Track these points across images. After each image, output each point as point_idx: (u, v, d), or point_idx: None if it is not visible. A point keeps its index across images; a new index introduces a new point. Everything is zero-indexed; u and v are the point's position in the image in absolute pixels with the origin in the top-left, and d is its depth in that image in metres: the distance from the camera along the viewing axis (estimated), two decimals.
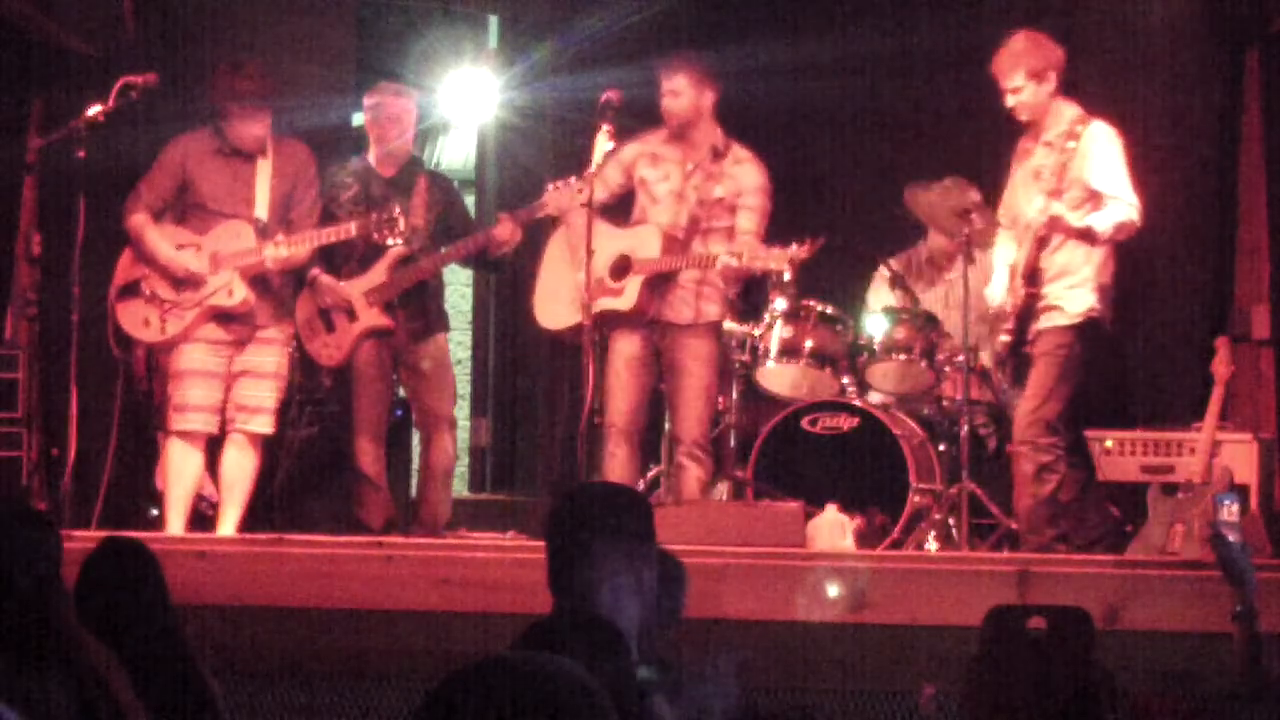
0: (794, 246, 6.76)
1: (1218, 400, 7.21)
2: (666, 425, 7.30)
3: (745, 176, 7.06)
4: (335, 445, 7.83)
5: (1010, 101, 6.71)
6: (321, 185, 7.38)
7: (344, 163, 7.59)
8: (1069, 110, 6.70)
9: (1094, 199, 6.58)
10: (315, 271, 7.29)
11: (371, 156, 7.49)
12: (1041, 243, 6.63)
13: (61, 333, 6.90)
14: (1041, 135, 6.72)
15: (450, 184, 7.82)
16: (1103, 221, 6.53)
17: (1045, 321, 6.68)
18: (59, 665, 2.94)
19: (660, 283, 7.01)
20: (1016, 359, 6.84)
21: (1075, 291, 6.64)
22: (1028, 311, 6.70)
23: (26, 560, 3.01)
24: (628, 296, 6.93)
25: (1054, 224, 6.54)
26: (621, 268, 6.97)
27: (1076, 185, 6.60)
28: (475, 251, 7.41)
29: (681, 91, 6.99)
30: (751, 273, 7.08)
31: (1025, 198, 6.76)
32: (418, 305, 7.40)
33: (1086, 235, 6.57)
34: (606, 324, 7.02)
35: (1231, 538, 4.21)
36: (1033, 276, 6.64)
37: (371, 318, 7.33)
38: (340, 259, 7.35)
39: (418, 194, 7.41)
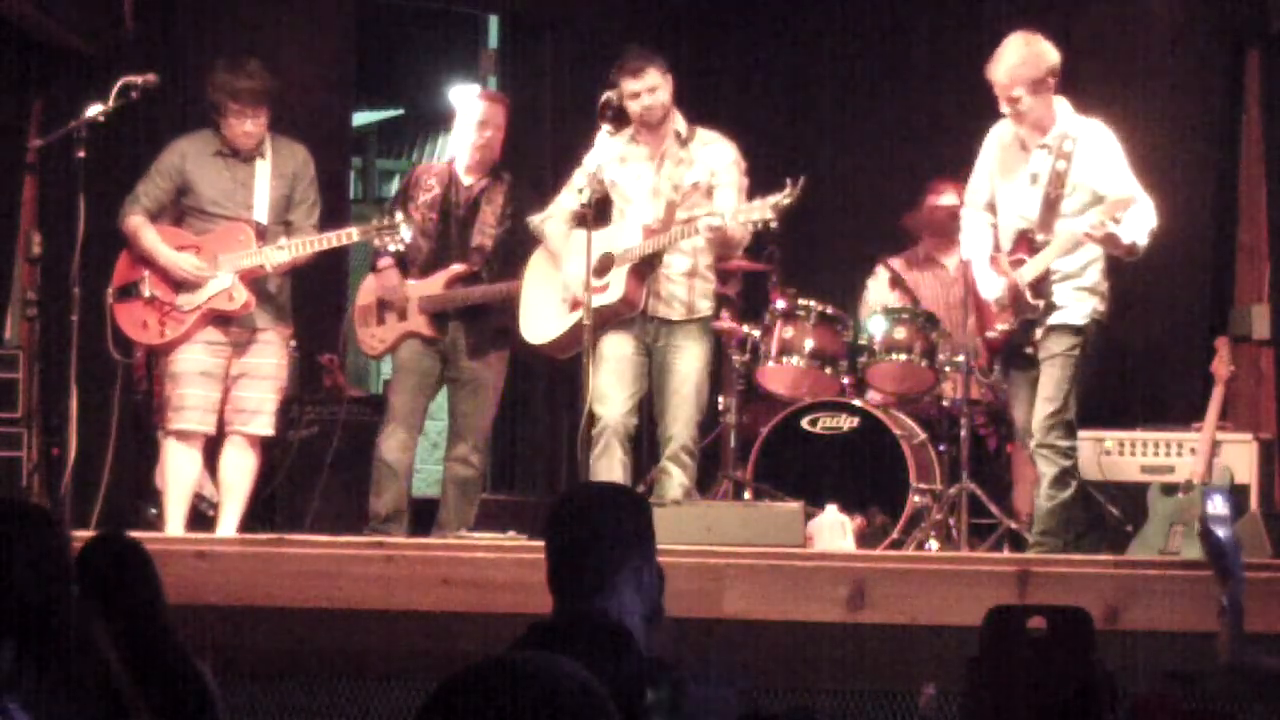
0: (776, 195, 6.57)
1: (1218, 400, 7.21)
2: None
3: (716, 155, 6.93)
4: (335, 445, 7.83)
5: (1007, 110, 6.65)
6: (408, 179, 7.60)
7: (430, 163, 7.73)
8: (1062, 109, 6.65)
9: (1097, 203, 6.52)
10: (388, 262, 7.39)
11: (459, 162, 7.55)
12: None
13: (61, 333, 6.89)
14: (1031, 133, 6.65)
15: (526, 194, 7.69)
16: (1141, 233, 6.45)
17: (1053, 321, 6.63)
18: (64, 664, 2.94)
19: (647, 271, 6.86)
20: (1008, 353, 6.78)
21: (1081, 294, 6.61)
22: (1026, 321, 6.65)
23: (30, 559, 3.00)
24: (614, 288, 6.78)
25: (1111, 240, 6.43)
26: (605, 266, 6.84)
27: (1080, 190, 6.56)
28: (492, 300, 7.36)
29: (658, 85, 6.84)
30: (739, 233, 6.86)
31: (1018, 196, 6.67)
32: (474, 323, 7.39)
33: (1131, 251, 6.50)
34: (598, 323, 6.83)
35: (1221, 532, 4.21)
36: (1039, 286, 6.56)
37: (418, 324, 7.37)
38: (409, 259, 7.40)
39: (491, 206, 7.44)
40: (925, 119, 8.78)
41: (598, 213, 7.00)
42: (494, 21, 10.03)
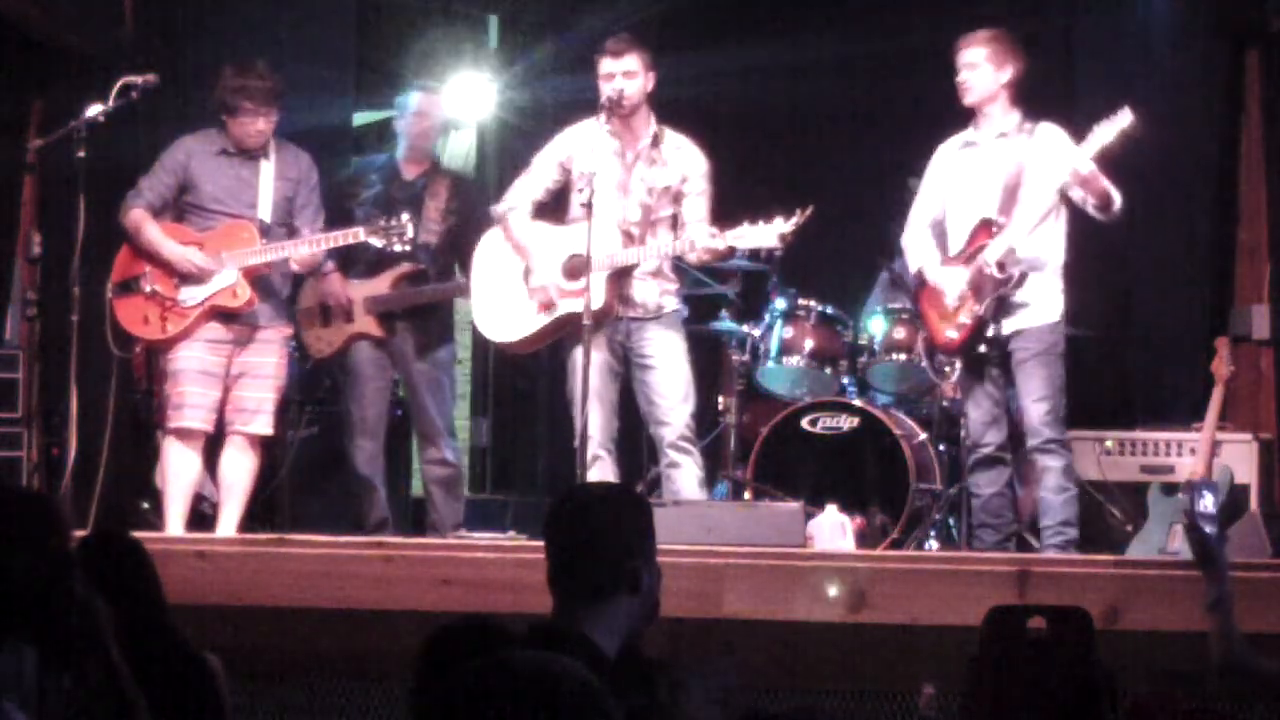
0: (780, 220, 6.48)
1: (1218, 400, 7.21)
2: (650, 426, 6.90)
3: (689, 162, 6.82)
4: (335, 445, 7.83)
5: (961, 77, 6.68)
6: (348, 176, 7.62)
7: (372, 158, 7.76)
8: (1016, 112, 6.71)
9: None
10: (330, 265, 7.34)
11: (399, 156, 7.56)
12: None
13: (61, 333, 6.89)
14: (986, 129, 6.70)
15: (471, 192, 7.76)
16: (1117, 194, 6.49)
17: (1025, 321, 6.61)
18: (65, 655, 2.94)
19: (623, 277, 6.74)
20: (968, 353, 6.75)
21: (1047, 291, 6.62)
22: (997, 304, 6.65)
23: (32, 549, 2.99)
24: (596, 295, 6.56)
25: (1093, 180, 6.42)
26: (576, 268, 6.66)
27: (1036, 176, 6.61)
28: (441, 299, 7.38)
29: (636, 72, 6.74)
30: (734, 253, 6.89)
31: (974, 192, 6.67)
32: (422, 322, 7.38)
33: (1109, 204, 6.51)
34: (575, 329, 6.65)
35: (1208, 528, 4.23)
36: (1005, 260, 6.57)
37: (365, 324, 7.35)
38: (350, 259, 7.37)
39: (435, 201, 7.43)
40: (926, 120, 8.77)
41: (555, 203, 6.94)
42: (494, 21, 10.02)
